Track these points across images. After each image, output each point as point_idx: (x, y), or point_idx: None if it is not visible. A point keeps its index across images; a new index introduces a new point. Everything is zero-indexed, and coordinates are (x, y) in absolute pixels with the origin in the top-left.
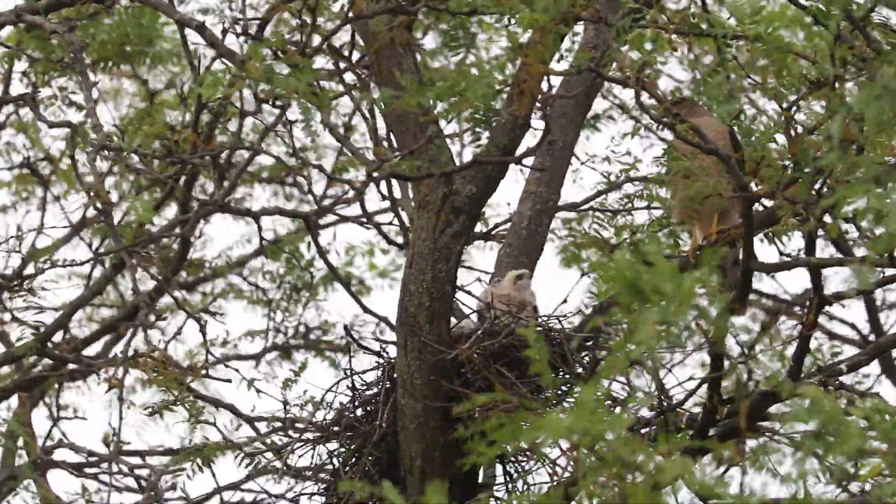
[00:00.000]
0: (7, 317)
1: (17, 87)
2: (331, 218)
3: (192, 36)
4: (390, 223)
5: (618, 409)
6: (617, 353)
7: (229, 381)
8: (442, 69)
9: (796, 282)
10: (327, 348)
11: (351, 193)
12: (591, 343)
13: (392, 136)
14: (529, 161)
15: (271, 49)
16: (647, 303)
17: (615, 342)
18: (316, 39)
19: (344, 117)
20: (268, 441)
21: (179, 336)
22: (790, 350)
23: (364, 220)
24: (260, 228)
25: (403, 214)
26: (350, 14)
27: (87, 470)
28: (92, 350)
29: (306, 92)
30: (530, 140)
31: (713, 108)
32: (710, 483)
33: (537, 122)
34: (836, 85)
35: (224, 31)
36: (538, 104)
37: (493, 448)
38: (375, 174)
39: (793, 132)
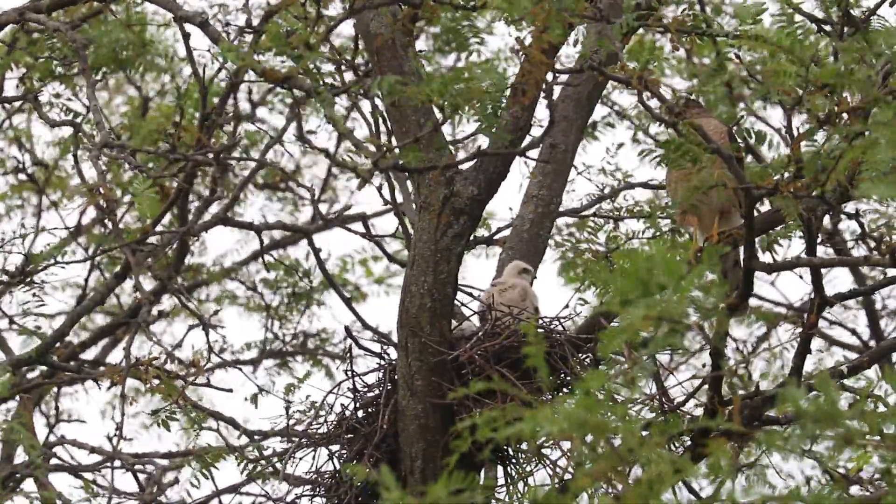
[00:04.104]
0: (9, 317)
1: (12, 93)
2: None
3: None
4: (393, 235)
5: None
6: (611, 339)
7: (230, 390)
8: (440, 76)
9: (796, 288)
10: (325, 355)
11: (355, 189)
12: (591, 344)
13: (393, 137)
14: (534, 153)
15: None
16: (647, 296)
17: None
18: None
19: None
20: (268, 451)
21: (177, 340)
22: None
23: (366, 234)
24: (262, 242)
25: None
26: (354, 5)
27: (89, 468)
28: (90, 354)
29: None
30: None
31: (714, 113)
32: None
33: (538, 124)
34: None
35: (229, 28)
36: (543, 92)
37: (481, 432)
38: (380, 163)
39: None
